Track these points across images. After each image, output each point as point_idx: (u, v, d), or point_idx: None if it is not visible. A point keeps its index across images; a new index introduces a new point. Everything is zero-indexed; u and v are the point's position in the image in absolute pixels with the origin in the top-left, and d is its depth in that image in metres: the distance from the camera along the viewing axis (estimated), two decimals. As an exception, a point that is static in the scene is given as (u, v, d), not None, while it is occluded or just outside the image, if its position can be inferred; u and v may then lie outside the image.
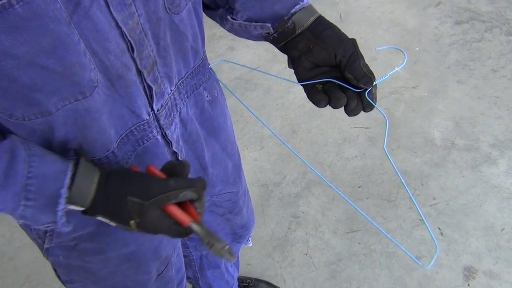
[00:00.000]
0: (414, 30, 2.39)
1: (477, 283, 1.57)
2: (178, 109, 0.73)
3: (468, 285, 1.57)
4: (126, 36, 0.55)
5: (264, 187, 1.91)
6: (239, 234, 1.16)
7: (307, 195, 1.86)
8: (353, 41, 0.68)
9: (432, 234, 0.57)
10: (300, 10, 0.70)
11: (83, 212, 0.57)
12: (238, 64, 0.78)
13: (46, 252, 0.74)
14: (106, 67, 0.55)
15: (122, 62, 0.56)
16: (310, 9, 0.72)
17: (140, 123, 0.65)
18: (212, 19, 0.79)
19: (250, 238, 1.28)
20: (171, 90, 0.69)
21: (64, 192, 0.53)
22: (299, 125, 2.10)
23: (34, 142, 0.57)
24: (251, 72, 2.38)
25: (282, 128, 2.10)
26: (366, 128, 2.03)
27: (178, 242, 0.92)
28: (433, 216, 1.73)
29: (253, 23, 0.72)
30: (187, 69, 0.73)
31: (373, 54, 2.26)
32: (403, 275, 1.61)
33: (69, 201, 0.54)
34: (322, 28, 0.70)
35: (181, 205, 0.59)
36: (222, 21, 0.76)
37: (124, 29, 0.54)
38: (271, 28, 0.72)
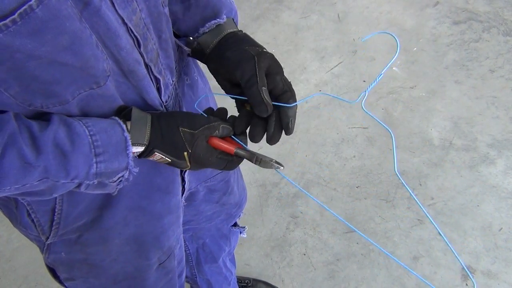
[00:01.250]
0: (412, 30, 2.39)
1: (475, 283, 1.57)
2: (179, 97, 0.76)
3: (466, 284, 1.57)
4: (133, 32, 0.57)
5: (262, 187, 1.91)
6: (233, 214, 1.17)
7: (305, 195, 1.86)
8: (258, 60, 0.64)
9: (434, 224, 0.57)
10: (209, 30, 0.70)
11: (142, 152, 0.62)
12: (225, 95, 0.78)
13: (48, 251, 0.74)
14: (118, 61, 0.57)
15: (133, 58, 0.58)
16: (223, 27, 0.71)
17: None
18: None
19: (245, 230, 1.28)
20: (173, 81, 0.71)
21: (128, 135, 0.59)
22: (297, 125, 2.10)
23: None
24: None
25: (280, 128, 2.10)
26: (364, 128, 2.03)
27: (181, 234, 0.93)
28: (431, 216, 1.74)
29: (177, 40, 0.73)
30: (176, 57, 0.75)
31: (371, 54, 2.26)
32: (401, 275, 1.61)
33: (132, 142, 0.60)
34: (225, 49, 0.68)
35: (225, 140, 0.68)
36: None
37: (130, 25, 0.56)
38: (186, 48, 0.73)
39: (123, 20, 0.54)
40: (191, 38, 0.71)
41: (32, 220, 0.69)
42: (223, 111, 0.71)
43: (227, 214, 1.14)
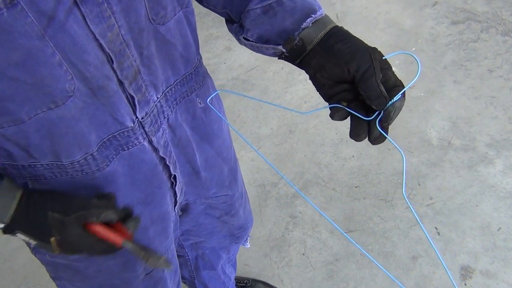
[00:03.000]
0: (411, 30, 2.39)
1: (474, 282, 1.57)
2: (166, 115, 0.73)
3: (465, 284, 1.57)
4: (105, 48, 0.54)
5: (261, 187, 1.91)
6: (237, 235, 1.16)
7: (305, 196, 1.86)
8: (372, 52, 0.60)
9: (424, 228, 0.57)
10: (312, 24, 0.64)
11: (4, 230, 0.57)
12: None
13: (34, 250, 0.74)
14: (86, 78, 0.55)
15: (103, 73, 0.56)
16: (323, 21, 0.64)
17: (124, 130, 0.65)
18: (231, 32, 0.76)
19: (249, 239, 1.28)
20: (157, 98, 0.69)
21: None
22: (296, 125, 2.10)
23: (12, 146, 0.58)
24: (248, 72, 2.37)
25: (279, 128, 2.10)
26: (363, 128, 2.04)
27: (172, 243, 0.92)
28: (430, 216, 1.74)
29: (265, 45, 0.67)
30: (177, 76, 0.72)
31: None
32: (400, 275, 1.62)
33: None
34: (334, 41, 0.62)
35: (112, 225, 0.59)
36: (237, 39, 0.73)
37: (102, 41, 0.53)
38: (283, 48, 0.66)
39: (94, 35, 0.52)
40: (291, 35, 0.64)
41: None
42: (111, 197, 0.64)
43: (229, 232, 1.12)
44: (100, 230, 0.57)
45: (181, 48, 0.69)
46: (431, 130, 2.00)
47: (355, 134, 0.61)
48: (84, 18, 0.50)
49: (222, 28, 2.53)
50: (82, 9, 0.50)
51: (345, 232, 1.74)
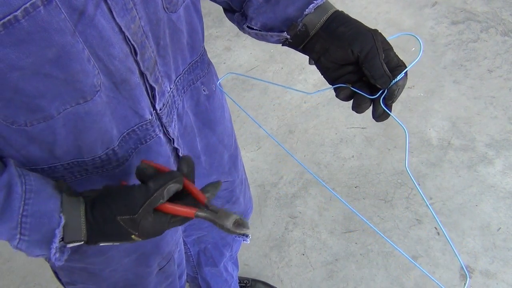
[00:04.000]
0: (410, 30, 2.39)
1: (474, 282, 1.57)
2: (176, 105, 0.74)
3: (465, 284, 1.57)
4: (130, 40, 0.55)
5: (261, 187, 1.91)
6: None
7: (304, 195, 1.86)
8: (374, 33, 0.61)
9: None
10: (314, 9, 0.65)
11: (87, 243, 0.57)
12: (249, 77, 0.77)
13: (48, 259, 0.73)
14: (110, 71, 0.55)
15: (126, 66, 0.57)
16: (324, 6, 0.66)
17: (143, 122, 0.66)
18: (231, 22, 0.77)
19: (249, 237, 1.28)
20: (170, 88, 0.70)
21: (58, 232, 0.54)
22: (296, 125, 2.10)
23: (35, 148, 0.57)
24: (248, 72, 2.37)
25: (279, 129, 2.10)
26: (362, 128, 2.04)
27: (180, 238, 0.92)
28: (430, 216, 1.74)
29: (269, 33, 0.69)
30: (185, 65, 0.73)
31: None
32: (400, 274, 1.62)
33: (67, 240, 0.55)
34: (336, 25, 0.64)
35: (184, 194, 0.58)
36: (240, 28, 0.74)
37: (127, 33, 0.54)
38: (287, 35, 0.67)
39: (120, 28, 0.53)
40: (295, 22, 0.66)
41: None
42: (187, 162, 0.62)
43: None
44: (170, 208, 0.57)
45: (187, 36, 0.70)
46: (430, 130, 2.00)
47: (357, 105, 0.63)
48: (111, 11, 0.51)
49: (222, 28, 2.53)
50: (109, 2, 0.50)
51: (344, 233, 1.74)
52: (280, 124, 2.11)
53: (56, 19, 0.45)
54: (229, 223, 0.56)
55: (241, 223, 0.57)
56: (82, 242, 0.56)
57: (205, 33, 0.70)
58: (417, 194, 1.80)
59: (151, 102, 0.65)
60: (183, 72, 0.73)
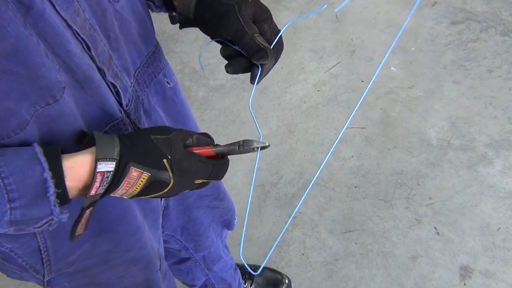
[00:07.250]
0: (410, 30, 2.39)
1: (474, 282, 1.57)
2: (141, 100, 0.72)
3: (465, 284, 1.57)
4: (79, 35, 0.53)
5: (261, 187, 1.91)
6: (228, 220, 1.18)
7: (304, 196, 1.86)
8: (238, 10, 0.60)
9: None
10: None
11: (115, 173, 0.52)
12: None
13: (48, 285, 0.71)
14: (72, 69, 0.53)
15: (86, 63, 0.54)
16: None
17: (115, 122, 0.64)
18: None
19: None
20: (131, 83, 0.68)
21: (47, 175, 0.48)
22: (295, 125, 2.10)
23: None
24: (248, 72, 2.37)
25: (279, 129, 2.10)
26: (362, 128, 2.04)
27: (161, 236, 0.93)
28: (430, 216, 1.74)
29: (168, 12, 0.71)
30: (141, 58, 0.71)
31: (369, 54, 2.26)
32: (400, 274, 1.62)
33: (100, 157, 0.51)
34: (203, 11, 0.64)
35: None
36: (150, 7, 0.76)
37: (74, 27, 0.52)
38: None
39: (67, 22, 0.51)
40: (173, 13, 0.67)
41: (21, 264, 0.65)
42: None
43: (220, 217, 1.14)
44: (195, 149, 0.61)
45: (137, 26, 0.69)
46: (430, 130, 2.00)
47: (228, 65, 0.64)
48: (53, 5, 0.49)
49: (221, 28, 2.53)
50: None
51: (344, 233, 1.74)
52: (279, 124, 2.11)
53: (4, 8, 0.43)
54: (251, 144, 0.61)
55: (256, 140, 0.63)
56: (114, 163, 0.52)
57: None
58: (417, 194, 1.80)
59: (117, 100, 0.63)
60: (141, 65, 0.71)
